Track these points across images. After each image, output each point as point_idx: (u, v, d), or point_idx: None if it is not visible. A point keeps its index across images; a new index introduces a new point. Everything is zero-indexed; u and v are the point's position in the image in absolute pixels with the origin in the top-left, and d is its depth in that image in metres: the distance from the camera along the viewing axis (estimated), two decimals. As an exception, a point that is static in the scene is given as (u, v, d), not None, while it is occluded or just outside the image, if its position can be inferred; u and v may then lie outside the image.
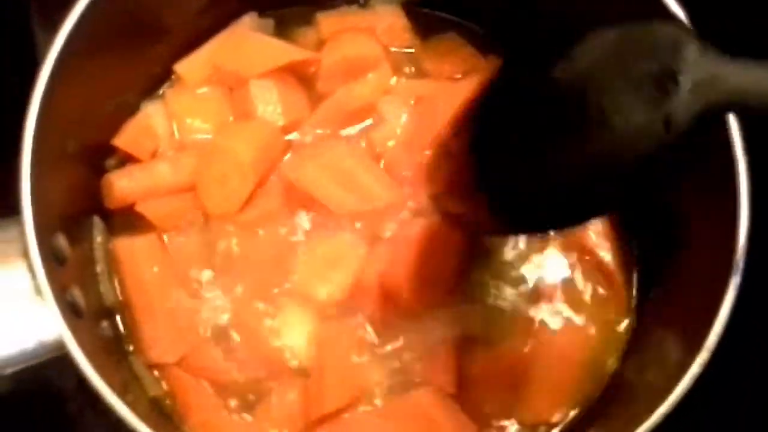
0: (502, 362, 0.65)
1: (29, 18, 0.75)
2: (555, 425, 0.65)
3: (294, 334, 0.64)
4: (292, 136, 0.71)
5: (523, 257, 0.68)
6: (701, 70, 0.39)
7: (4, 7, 0.74)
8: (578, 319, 0.66)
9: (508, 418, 0.64)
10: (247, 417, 0.61)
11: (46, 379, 0.58)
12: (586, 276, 0.68)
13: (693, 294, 0.60)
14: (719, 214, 0.56)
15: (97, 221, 0.65)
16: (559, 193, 0.44)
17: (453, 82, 0.73)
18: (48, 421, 0.66)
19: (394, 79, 0.73)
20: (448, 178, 0.60)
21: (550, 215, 0.46)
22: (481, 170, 0.48)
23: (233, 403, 0.62)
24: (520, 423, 0.64)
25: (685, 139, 0.40)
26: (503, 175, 0.46)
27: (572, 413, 0.65)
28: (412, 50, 0.75)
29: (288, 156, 0.70)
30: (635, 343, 0.66)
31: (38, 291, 0.49)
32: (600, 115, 0.41)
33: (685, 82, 0.39)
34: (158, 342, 0.63)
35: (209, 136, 0.69)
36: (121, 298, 0.65)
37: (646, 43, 0.41)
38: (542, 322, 0.66)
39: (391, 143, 0.71)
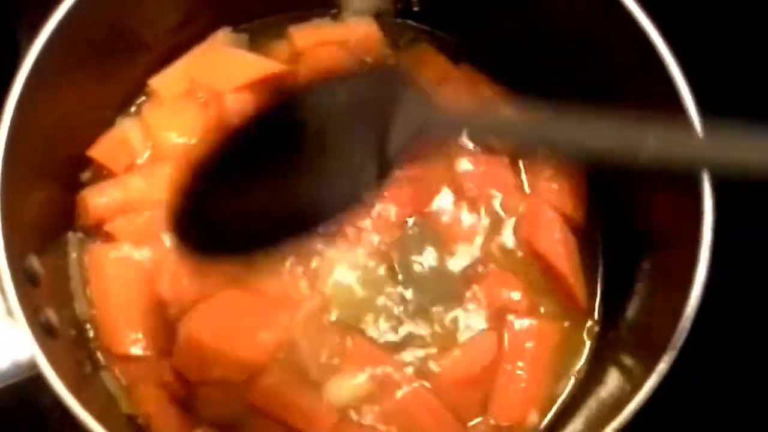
0: (475, 364, 0.66)
1: (15, 27, 0.75)
2: (530, 428, 0.66)
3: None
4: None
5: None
6: (414, 112, 0.48)
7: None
8: (543, 326, 0.67)
9: (484, 415, 0.65)
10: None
11: (25, 395, 0.58)
12: (549, 289, 0.69)
13: (655, 305, 0.61)
14: (684, 229, 0.57)
15: (71, 237, 0.66)
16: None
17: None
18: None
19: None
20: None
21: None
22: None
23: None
24: (496, 425, 0.65)
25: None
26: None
27: (545, 414, 0.66)
28: (385, 60, 0.75)
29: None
30: (599, 350, 0.67)
31: (10, 312, 0.49)
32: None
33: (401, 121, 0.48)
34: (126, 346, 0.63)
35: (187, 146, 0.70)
36: (93, 311, 0.65)
37: (371, 91, 0.49)
38: (510, 329, 0.67)
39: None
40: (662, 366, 0.53)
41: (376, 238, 0.69)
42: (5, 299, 0.49)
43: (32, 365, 0.50)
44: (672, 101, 0.58)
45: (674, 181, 0.59)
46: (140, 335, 0.63)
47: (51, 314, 0.55)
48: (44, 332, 0.52)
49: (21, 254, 0.53)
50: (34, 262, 0.55)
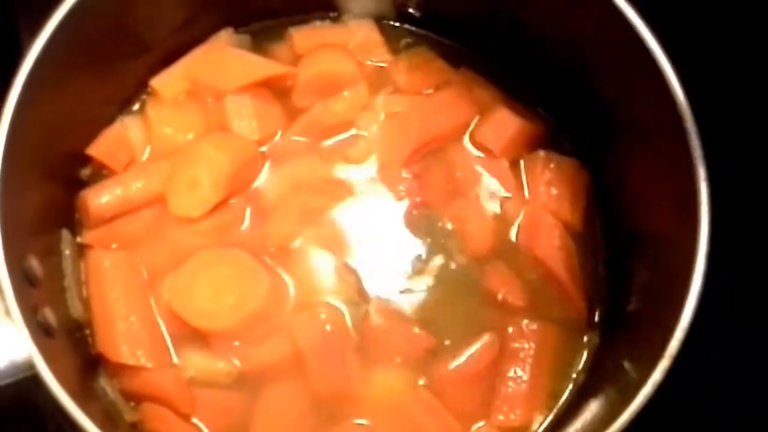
0: (476, 366, 0.66)
1: (16, 21, 0.75)
2: (530, 426, 0.66)
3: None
4: (267, 146, 0.71)
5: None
6: None
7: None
8: (544, 329, 0.67)
9: (486, 419, 0.65)
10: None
11: (24, 394, 0.58)
12: (549, 293, 0.69)
13: (652, 311, 0.61)
14: (682, 238, 0.57)
15: (65, 234, 0.66)
16: None
17: (426, 97, 0.74)
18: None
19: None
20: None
21: None
22: None
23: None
24: (497, 427, 0.65)
25: None
26: None
27: (546, 417, 0.66)
28: (385, 65, 0.76)
29: (262, 177, 0.71)
30: (599, 354, 0.67)
31: (7, 312, 0.49)
32: None
33: None
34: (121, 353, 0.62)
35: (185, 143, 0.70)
36: (87, 311, 0.65)
37: None
38: (511, 331, 0.67)
39: (368, 158, 0.72)
40: (657, 374, 0.53)
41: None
42: (3, 299, 0.49)
43: (30, 365, 0.50)
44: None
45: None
46: (138, 345, 0.62)
47: (49, 314, 0.55)
48: (42, 332, 0.52)
49: (20, 255, 0.53)
50: (33, 263, 0.55)
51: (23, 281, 0.53)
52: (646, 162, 0.66)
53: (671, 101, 0.58)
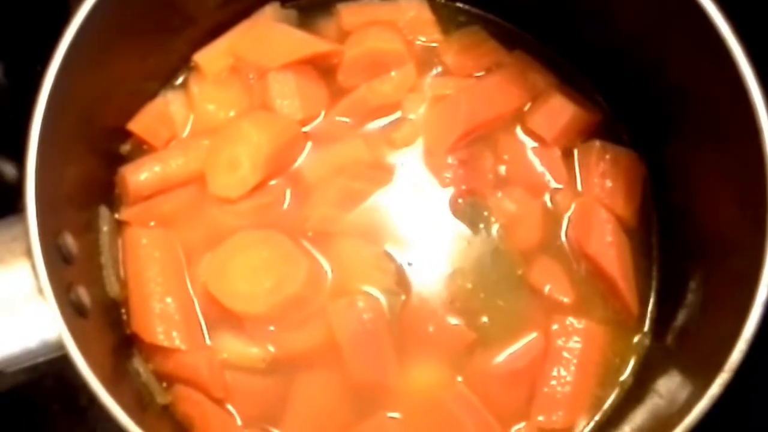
0: (518, 364, 0.63)
1: None
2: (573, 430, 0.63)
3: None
4: (310, 127, 0.69)
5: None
6: None
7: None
8: (591, 328, 0.64)
9: (527, 419, 0.63)
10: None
11: (57, 370, 0.58)
12: (598, 291, 0.66)
13: (710, 320, 0.57)
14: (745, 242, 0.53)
15: (104, 211, 0.65)
16: None
17: (476, 80, 0.71)
18: (60, 412, 0.67)
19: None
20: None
21: None
22: None
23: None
24: (538, 428, 0.62)
25: None
26: None
27: (588, 421, 0.64)
28: (435, 44, 0.73)
29: (304, 158, 0.69)
30: (648, 361, 0.64)
31: (40, 290, 0.48)
32: None
33: None
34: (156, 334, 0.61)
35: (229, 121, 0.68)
36: (124, 290, 0.64)
37: None
38: (556, 329, 0.64)
39: (413, 143, 0.69)
40: (715, 388, 0.49)
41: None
42: (36, 277, 0.49)
43: (61, 345, 0.49)
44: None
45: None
46: (173, 327, 0.61)
47: (83, 293, 0.54)
48: (75, 311, 0.51)
49: (55, 231, 0.52)
50: (69, 240, 0.54)
51: (57, 258, 0.52)
52: (711, 160, 0.62)
53: (745, 96, 0.54)
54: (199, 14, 0.69)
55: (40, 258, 0.48)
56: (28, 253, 0.49)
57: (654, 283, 0.67)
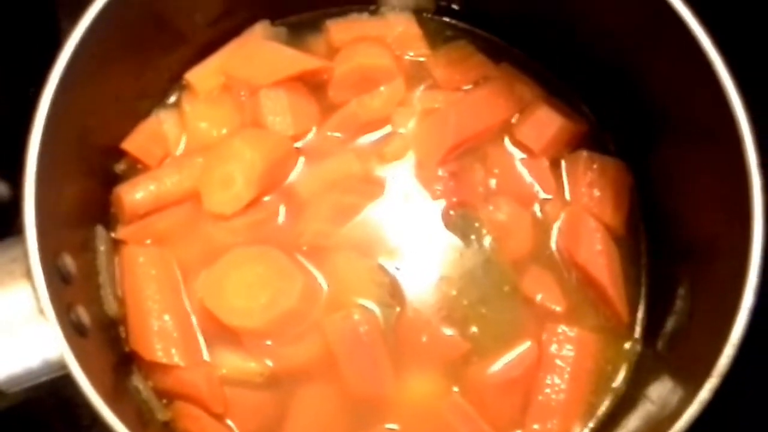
0: (513, 373, 0.64)
1: (56, 10, 0.74)
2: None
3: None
4: (302, 143, 0.70)
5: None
6: None
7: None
8: (583, 336, 0.66)
9: (522, 428, 0.64)
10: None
11: (58, 389, 0.58)
12: (588, 299, 0.67)
13: (698, 325, 0.58)
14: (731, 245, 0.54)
15: (100, 230, 0.65)
16: None
17: (464, 93, 0.72)
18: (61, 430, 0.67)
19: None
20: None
21: None
22: None
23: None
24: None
25: None
26: None
27: (582, 428, 0.65)
28: (423, 59, 0.74)
29: (297, 174, 0.70)
30: (640, 367, 0.65)
31: (41, 311, 0.49)
32: None
33: None
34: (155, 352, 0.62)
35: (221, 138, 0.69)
36: (122, 308, 0.64)
37: None
38: (549, 337, 0.65)
39: (403, 156, 0.71)
40: (705, 393, 0.50)
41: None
42: (37, 298, 0.49)
43: (63, 364, 0.50)
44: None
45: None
46: (171, 344, 0.61)
47: (82, 312, 0.55)
48: (75, 331, 0.51)
49: (54, 252, 0.53)
50: (68, 260, 0.55)
51: (57, 278, 0.52)
52: (695, 166, 0.63)
53: (725, 103, 0.56)
54: (189, 32, 0.70)
55: (41, 279, 0.49)
56: (28, 274, 0.49)
57: (643, 290, 0.69)
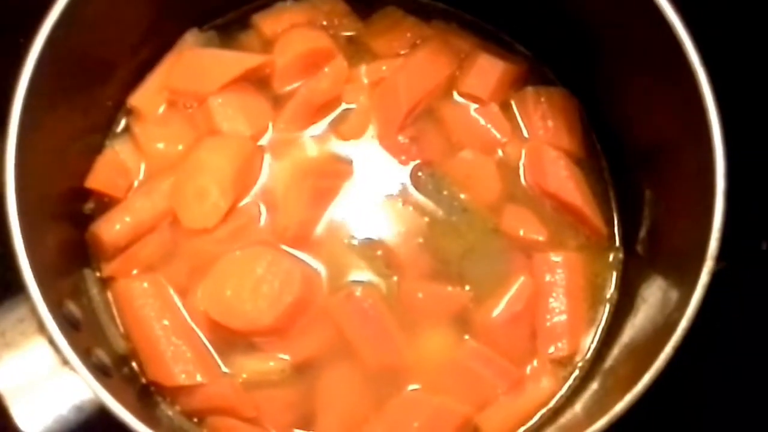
0: (516, 308, 0.67)
1: None
2: (578, 352, 0.68)
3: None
4: (262, 140, 0.71)
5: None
6: None
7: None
8: (570, 257, 0.69)
9: (537, 355, 0.67)
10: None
11: None
12: (566, 222, 0.71)
13: (679, 220, 0.62)
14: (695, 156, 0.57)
15: (88, 273, 0.65)
16: None
17: (405, 58, 0.74)
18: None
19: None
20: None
21: None
22: None
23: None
24: (549, 360, 0.67)
25: None
26: None
27: (591, 341, 0.68)
28: (357, 33, 0.75)
29: (266, 171, 0.70)
30: (628, 273, 0.69)
31: (65, 362, 0.49)
32: None
33: None
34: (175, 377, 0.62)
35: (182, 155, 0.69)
36: (129, 343, 0.64)
37: None
38: (538, 267, 0.69)
39: (363, 131, 0.72)
40: (704, 278, 0.54)
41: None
42: (57, 350, 0.49)
43: (94, 405, 0.50)
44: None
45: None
46: (189, 365, 0.62)
47: (101, 354, 0.54)
48: (101, 373, 0.51)
49: (58, 302, 0.52)
50: (72, 307, 0.54)
51: (67, 327, 0.52)
52: (637, 78, 0.66)
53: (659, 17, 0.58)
54: (118, 59, 0.69)
55: (57, 331, 0.48)
56: (41, 330, 0.49)
57: (613, 204, 0.73)
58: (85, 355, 0.50)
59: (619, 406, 0.52)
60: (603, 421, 0.52)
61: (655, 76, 0.63)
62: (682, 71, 0.58)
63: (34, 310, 0.49)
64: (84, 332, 0.55)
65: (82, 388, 0.50)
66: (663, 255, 0.64)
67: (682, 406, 0.73)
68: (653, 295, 0.63)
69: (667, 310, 0.58)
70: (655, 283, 0.63)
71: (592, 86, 0.73)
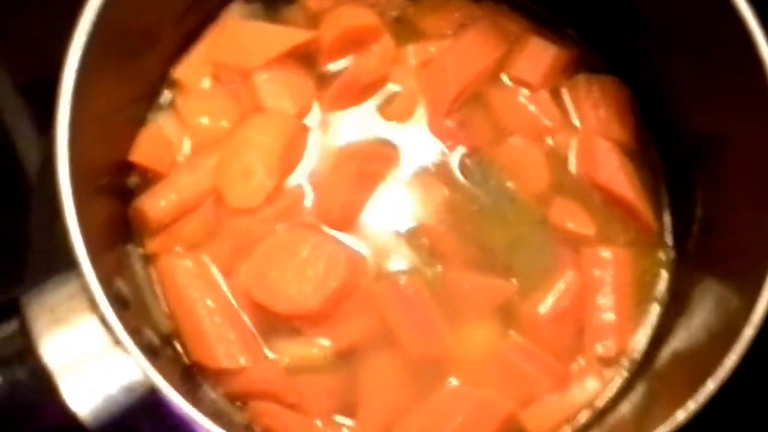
0: (563, 303, 0.66)
1: None
2: (626, 352, 0.66)
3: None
4: (306, 118, 0.69)
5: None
6: None
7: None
8: (619, 253, 0.67)
9: (583, 353, 0.65)
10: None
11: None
12: (616, 216, 0.69)
13: (736, 220, 0.61)
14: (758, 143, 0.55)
15: (131, 249, 0.63)
16: None
17: (453, 39, 0.72)
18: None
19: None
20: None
21: None
22: None
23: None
24: (597, 359, 0.65)
25: None
26: None
27: (641, 338, 0.67)
28: (403, 12, 0.73)
29: (311, 151, 0.68)
30: (680, 271, 0.68)
31: (116, 341, 0.47)
32: None
33: None
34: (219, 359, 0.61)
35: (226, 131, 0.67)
36: (173, 323, 0.63)
37: None
38: (587, 262, 0.67)
39: (410, 114, 0.70)
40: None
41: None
42: (109, 329, 0.47)
43: (144, 387, 0.49)
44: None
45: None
46: (233, 347, 0.60)
47: (150, 334, 0.53)
48: (150, 353, 0.50)
49: (108, 278, 0.51)
50: (120, 285, 0.53)
51: (118, 306, 0.50)
52: (696, 66, 0.64)
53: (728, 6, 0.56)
54: (162, 30, 0.67)
55: (110, 310, 0.47)
56: (92, 307, 0.47)
57: (665, 198, 0.71)
58: (136, 334, 0.49)
59: (681, 416, 0.50)
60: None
61: (718, 67, 0.61)
62: (749, 63, 0.56)
63: (85, 287, 0.47)
64: (133, 311, 0.54)
65: (133, 369, 0.49)
66: (719, 254, 0.63)
67: (744, 423, 0.70)
68: (708, 297, 0.61)
69: (727, 314, 0.56)
70: (710, 284, 0.62)
71: (645, 76, 0.71)
